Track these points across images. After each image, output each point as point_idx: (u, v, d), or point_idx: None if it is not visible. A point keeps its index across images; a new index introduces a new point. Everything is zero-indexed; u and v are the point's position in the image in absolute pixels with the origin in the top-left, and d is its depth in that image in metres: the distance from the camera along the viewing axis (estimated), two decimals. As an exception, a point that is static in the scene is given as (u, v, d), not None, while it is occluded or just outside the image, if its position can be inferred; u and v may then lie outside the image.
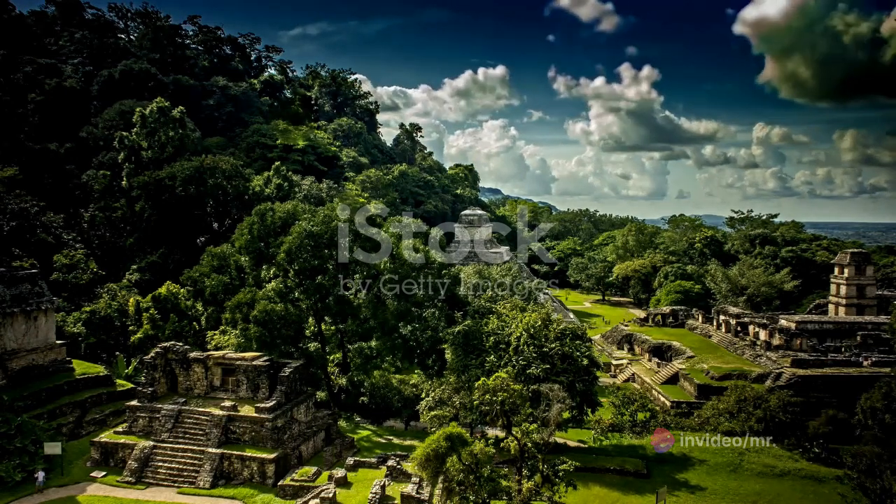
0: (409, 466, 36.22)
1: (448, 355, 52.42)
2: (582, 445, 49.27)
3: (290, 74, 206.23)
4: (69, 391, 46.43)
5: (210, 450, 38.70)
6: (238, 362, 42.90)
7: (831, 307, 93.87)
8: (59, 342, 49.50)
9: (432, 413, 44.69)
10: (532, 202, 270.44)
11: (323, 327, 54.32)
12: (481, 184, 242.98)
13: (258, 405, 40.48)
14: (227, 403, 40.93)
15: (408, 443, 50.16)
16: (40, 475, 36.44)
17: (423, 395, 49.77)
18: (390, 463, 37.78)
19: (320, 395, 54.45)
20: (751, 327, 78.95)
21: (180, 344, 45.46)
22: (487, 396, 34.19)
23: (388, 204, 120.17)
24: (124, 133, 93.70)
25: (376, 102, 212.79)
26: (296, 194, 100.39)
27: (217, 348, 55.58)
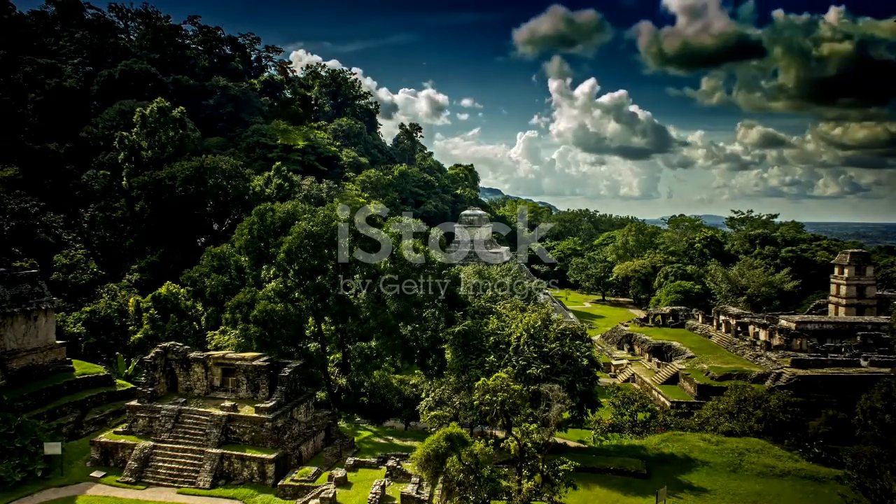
0: (409, 466, 36.22)
1: (448, 355, 52.41)
2: (582, 445, 49.27)
3: (290, 74, 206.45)
4: (69, 391, 46.40)
5: (210, 450, 38.69)
6: (238, 362, 42.90)
7: (831, 307, 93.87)
8: (59, 342, 49.48)
9: (432, 413, 44.72)
10: (532, 202, 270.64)
11: (323, 327, 54.31)
12: (480, 184, 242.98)
13: (258, 405, 40.47)
14: (227, 403, 40.93)
15: (408, 443, 50.12)
16: None
17: (423, 395, 49.78)
18: (390, 463, 37.76)
19: (320, 395, 54.45)
20: (751, 327, 78.94)
21: (180, 344, 45.44)
22: (487, 396, 34.18)
23: (388, 204, 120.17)
24: (124, 133, 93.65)
25: (376, 103, 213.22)
26: (296, 194, 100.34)
27: (217, 348, 55.56)
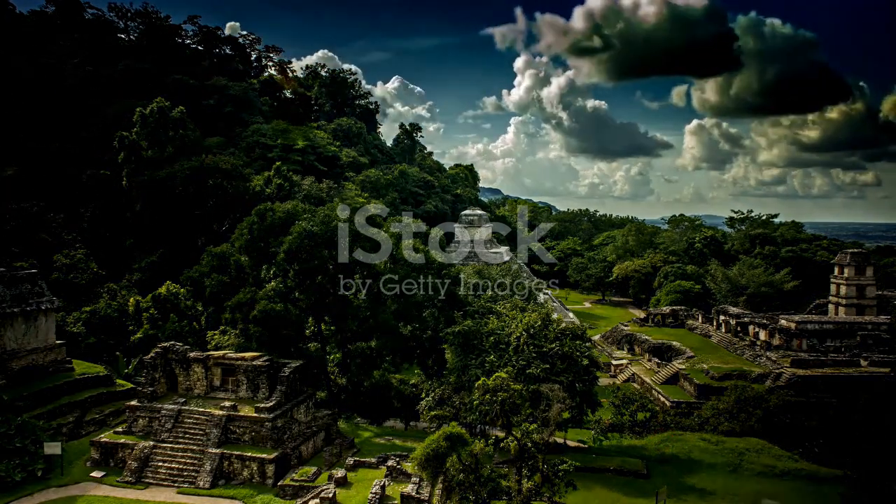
0: (409, 466, 36.22)
1: (448, 355, 52.45)
2: (582, 445, 49.28)
3: (290, 74, 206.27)
4: (69, 391, 46.38)
5: (210, 450, 38.69)
6: (238, 362, 42.90)
7: (831, 307, 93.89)
8: (59, 342, 49.46)
9: (432, 413, 44.76)
10: (532, 202, 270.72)
11: (323, 327, 54.32)
12: (480, 184, 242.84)
13: (258, 405, 40.48)
14: (227, 403, 40.93)
15: (408, 443, 50.03)
16: None
17: (423, 395, 49.81)
18: (390, 463, 37.75)
19: (320, 395, 54.44)
20: (751, 327, 78.96)
21: (180, 344, 45.43)
22: (487, 396, 34.18)
23: (388, 204, 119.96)
24: (124, 133, 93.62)
25: (376, 102, 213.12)
26: (296, 194, 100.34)
27: (217, 348, 55.56)
